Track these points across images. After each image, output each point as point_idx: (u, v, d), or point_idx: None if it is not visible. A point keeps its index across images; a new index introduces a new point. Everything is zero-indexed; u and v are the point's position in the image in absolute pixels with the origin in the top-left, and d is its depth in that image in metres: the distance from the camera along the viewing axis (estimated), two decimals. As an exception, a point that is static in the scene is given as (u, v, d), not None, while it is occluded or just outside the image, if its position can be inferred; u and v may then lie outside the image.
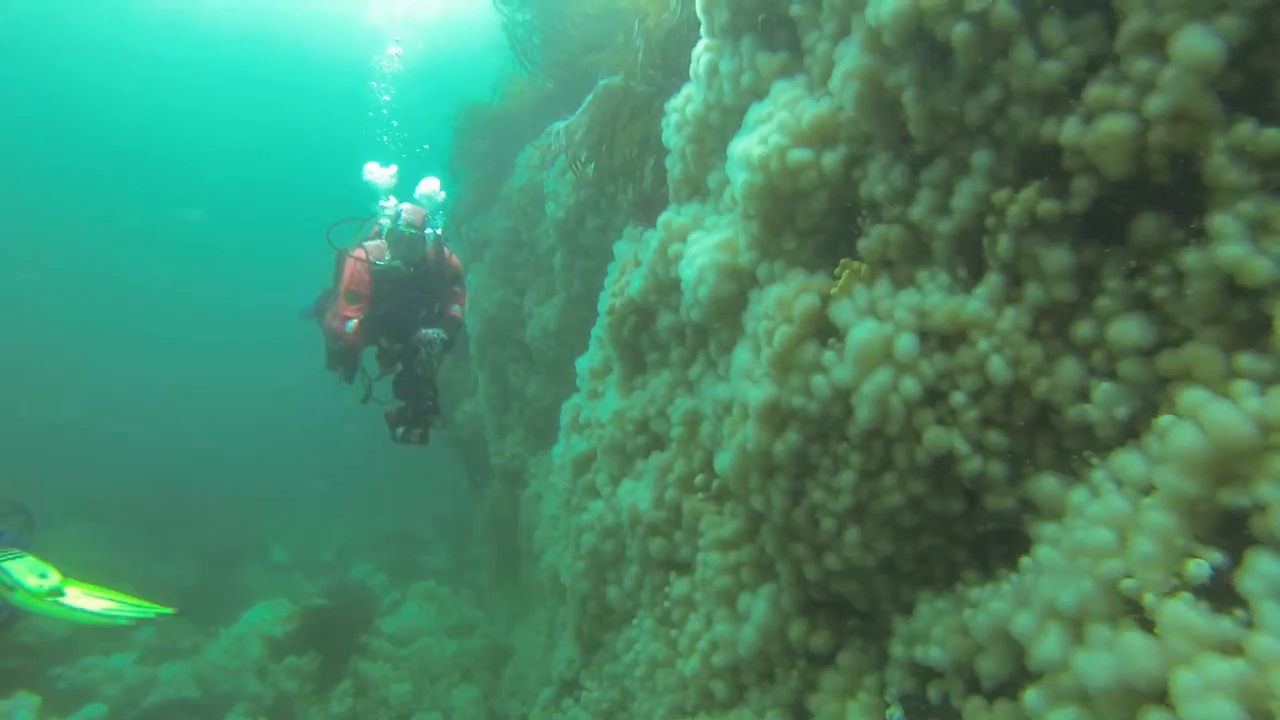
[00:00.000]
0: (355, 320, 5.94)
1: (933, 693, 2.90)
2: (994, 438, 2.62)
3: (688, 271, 3.93)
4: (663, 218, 4.59)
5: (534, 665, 8.23)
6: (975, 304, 2.66)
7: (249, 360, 34.48)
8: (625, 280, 4.74)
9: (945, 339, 2.74)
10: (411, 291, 6.09)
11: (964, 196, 2.68)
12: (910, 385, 2.68)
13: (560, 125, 6.91)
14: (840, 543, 3.06)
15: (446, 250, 6.35)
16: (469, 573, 14.14)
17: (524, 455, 9.11)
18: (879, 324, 2.81)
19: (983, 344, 2.62)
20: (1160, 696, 1.86)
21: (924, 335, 2.75)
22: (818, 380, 3.01)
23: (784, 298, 3.27)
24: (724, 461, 3.51)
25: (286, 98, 33.72)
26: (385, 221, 6.17)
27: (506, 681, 9.17)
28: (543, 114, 8.96)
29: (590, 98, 7.00)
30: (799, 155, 3.18)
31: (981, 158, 2.59)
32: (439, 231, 6.26)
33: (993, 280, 2.66)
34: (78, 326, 35.03)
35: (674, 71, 6.11)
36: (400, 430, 6.20)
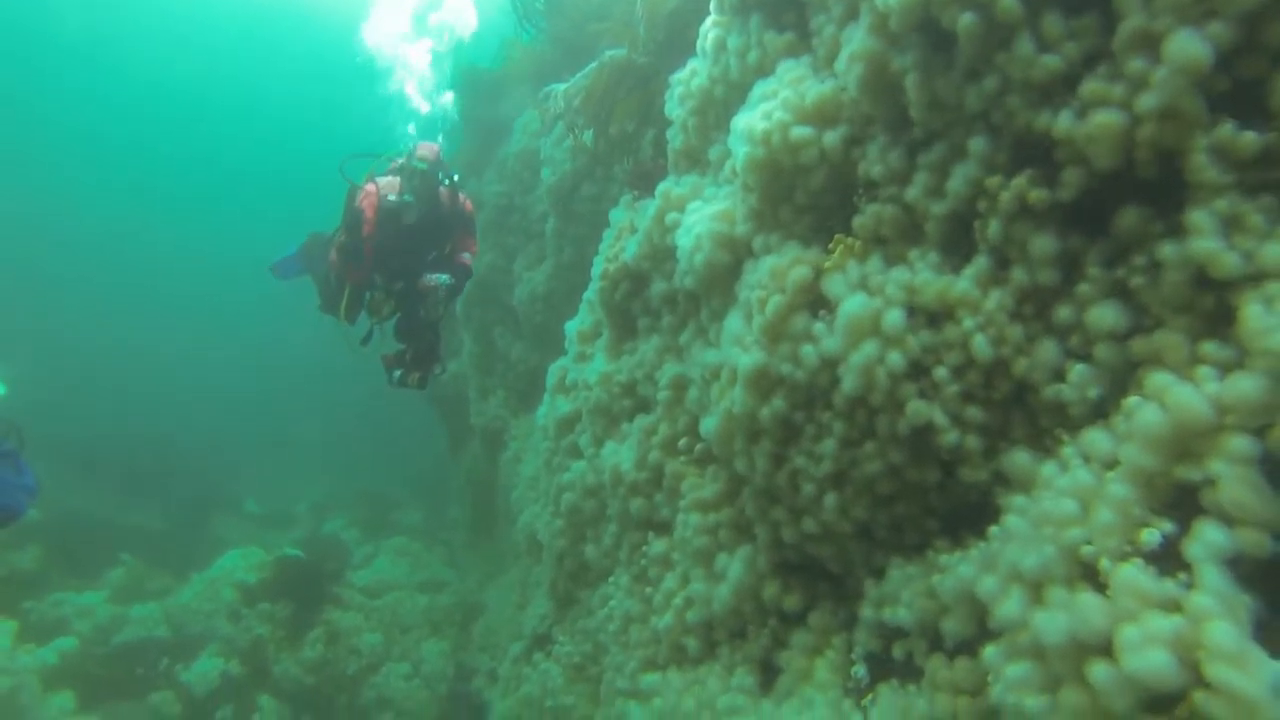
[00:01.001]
0: (340, 249, 5.75)
1: (897, 651, 3.06)
2: (973, 412, 2.76)
3: (684, 240, 4.02)
4: (661, 187, 4.67)
5: (505, 622, 8.39)
6: (963, 284, 2.78)
7: (236, 316, 34.21)
8: (620, 246, 4.83)
9: (932, 316, 2.86)
10: (420, 232, 5.87)
11: (959, 180, 2.79)
12: (896, 358, 2.81)
13: (560, 88, 6.91)
14: (819, 507, 3.20)
15: (461, 195, 6.15)
16: (443, 532, 14.29)
17: (505, 417, 9.22)
18: (869, 298, 2.93)
19: (968, 322, 2.74)
20: (1105, 650, 2.02)
21: (912, 311, 2.87)
22: (806, 349, 3.13)
23: (778, 268, 3.38)
24: (710, 425, 3.64)
25: (287, 59, 33.22)
26: (400, 158, 5.94)
27: (476, 637, 9.33)
28: (542, 82, 8.97)
29: (592, 66, 7.04)
30: (801, 132, 3.28)
31: (978, 144, 2.70)
32: (454, 178, 6.05)
33: (981, 262, 2.78)
34: (67, 276, 34.50)
35: (674, 48, 6.16)
36: (398, 373, 6.07)
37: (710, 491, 3.85)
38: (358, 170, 5.99)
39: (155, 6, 30.71)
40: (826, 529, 3.23)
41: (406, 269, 5.87)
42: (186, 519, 15.81)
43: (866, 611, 3.14)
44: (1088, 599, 2.09)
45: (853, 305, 2.95)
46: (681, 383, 4.22)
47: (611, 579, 4.56)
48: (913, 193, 2.97)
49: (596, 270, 4.95)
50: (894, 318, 2.84)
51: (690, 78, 4.70)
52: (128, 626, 9.47)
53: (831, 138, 3.16)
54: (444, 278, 5.84)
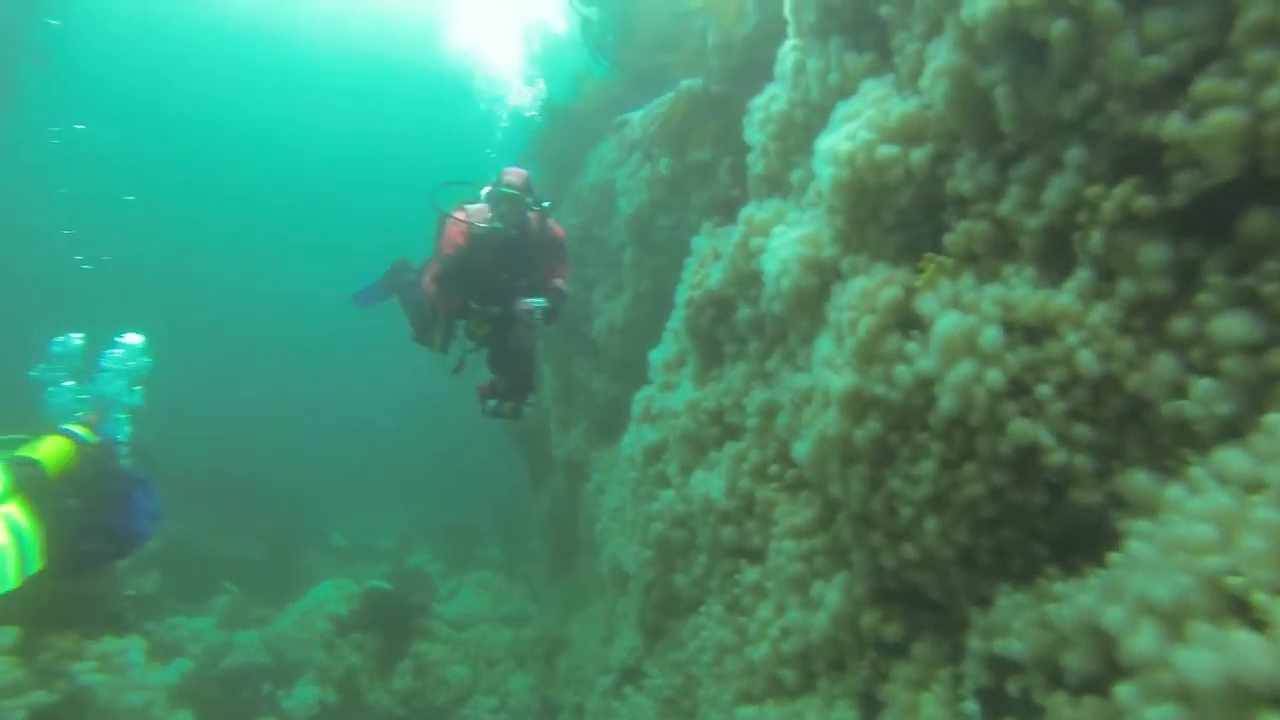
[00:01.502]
0: (431, 278, 5.71)
1: (1012, 687, 2.90)
2: (1081, 431, 2.64)
3: (770, 264, 4.01)
4: (744, 213, 4.68)
5: (590, 656, 8.35)
6: (1064, 298, 2.68)
7: (318, 350, 35.41)
8: (704, 273, 4.84)
9: (1031, 332, 2.76)
10: (511, 258, 5.77)
11: (1055, 192, 2.70)
12: (995, 376, 2.72)
13: (636, 115, 6.97)
14: (918, 532, 3.10)
15: (550, 220, 6.07)
16: (522, 566, 14.37)
17: (586, 449, 9.26)
18: (964, 316, 2.85)
19: (1071, 337, 2.64)
20: (1275, 699, 1.86)
21: (1009, 328, 2.78)
22: (900, 370, 3.06)
23: (868, 289, 3.33)
24: (802, 449, 3.58)
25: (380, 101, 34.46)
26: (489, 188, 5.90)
27: (561, 671, 9.30)
28: (614, 115, 9.12)
29: (668, 96, 7.13)
30: (886, 151, 3.25)
31: (1075, 154, 2.62)
32: (545, 204, 5.97)
33: (1083, 275, 2.68)
34: (162, 316, 36.29)
35: (748, 75, 6.19)
36: (491, 403, 5.98)
37: (804, 518, 3.78)
38: (448, 199, 5.99)
39: (244, 55, 32.23)
40: (927, 555, 3.12)
41: (499, 296, 5.78)
42: (278, 551, 16.32)
43: (974, 642, 2.99)
44: (1244, 638, 1.94)
45: (947, 324, 2.88)
46: (771, 408, 4.17)
47: (703, 609, 4.50)
48: (1006, 207, 2.89)
49: (681, 298, 4.96)
50: (991, 335, 2.75)
51: (769, 102, 4.71)
52: (233, 652, 9.89)
53: (918, 156, 3.11)
54: (539, 301, 5.71)
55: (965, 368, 2.77)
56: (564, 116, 10.43)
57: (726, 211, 5.91)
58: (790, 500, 3.93)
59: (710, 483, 4.36)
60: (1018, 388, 2.76)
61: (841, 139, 3.50)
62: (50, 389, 5.91)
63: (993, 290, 2.84)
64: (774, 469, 4.09)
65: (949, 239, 3.05)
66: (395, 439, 26.91)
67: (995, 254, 2.93)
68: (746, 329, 4.64)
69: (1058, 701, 2.68)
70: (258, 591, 12.73)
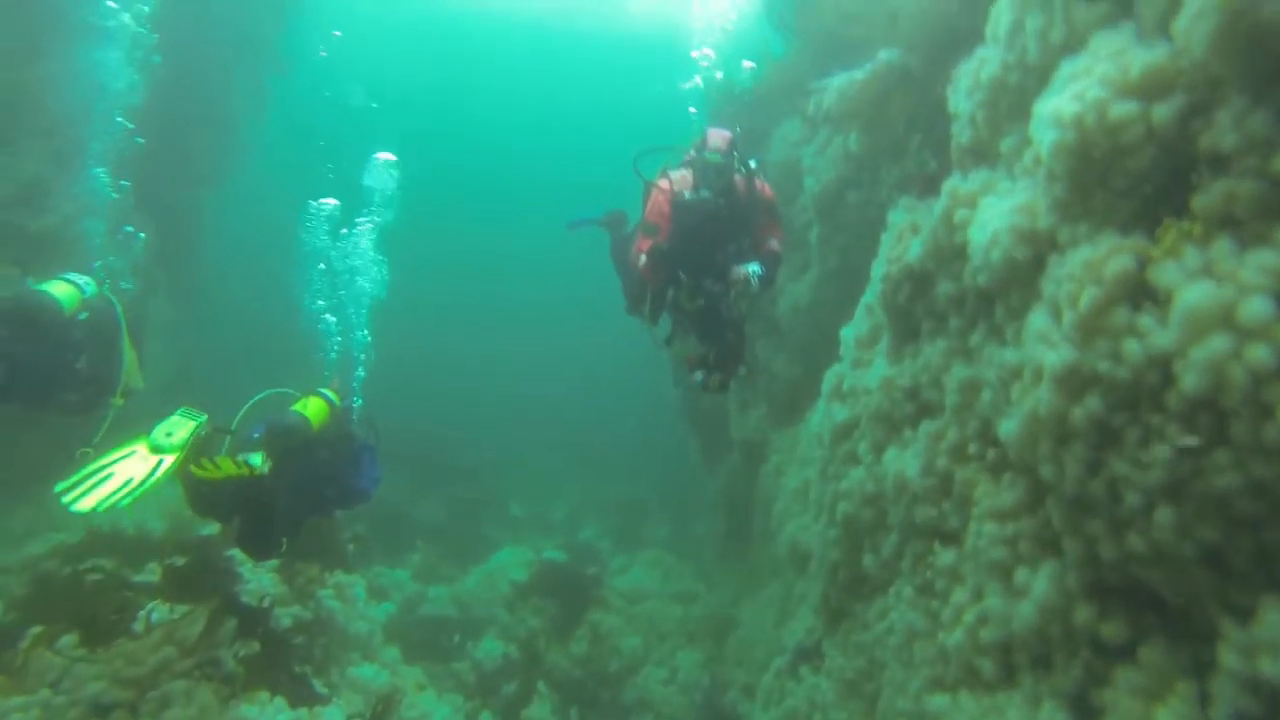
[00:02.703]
0: (644, 254, 5.50)
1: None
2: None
3: (979, 236, 3.82)
4: (948, 185, 4.48)
5: (762, 638, 8.33)
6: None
7: (520, 320, 36.77)
8: (902, 247, 4.68)
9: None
10: (721, 225, 5.51)
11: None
12: (1260, 353, 2.43)
13: (828, 83, 6.79)
14: (1148, 523, 2.85)
15: (759, 181, 5.73)
16: (691, 546, 14.53)
17: (766, 430, 9.22)
18: (1218, 286, 2.58)
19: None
20: None
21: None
22: (1131, 345, 2.83)
23: (1093, 260, 3.10)
24: (1009, 428, 3.39)
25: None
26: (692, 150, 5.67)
27: (731, 650, 9.36)
28: (797, 93, 8.97)
29: (858, 70, 6.93)
30: (1123, 109, 2.99)
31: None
32: (752, 164, 5.65)
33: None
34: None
35: (941, 44, 5.89)
36: (700, 375, 5.80)
37: (1008, 500, 3.58)
38: (650, 167, 5.86)
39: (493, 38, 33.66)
40: (1158, 549, 2.86)
41: (710, 265, 5.56)
42: (461, 517, 17.36)
43: (1229, 659, 2.66)
44: None
45: (1194, 294, 2.62)
46: (972, 386, 3.98)
47: (892, 590, 4.38)
48: (1280, 163, 2.58)
49: (877, 273, 4.82)
50: (1256, 307, 2.47)
51: (979, 68, 4.47)
52: (426, 604, 10.78)
53: (1164, 111, 2.84)
54: (755, 268, 5.44)
55: (1218, 343, 2.51)
56: (746, 94, 10.36)
57: (920, 187, 5.67)
58: (992, 481, 3.74)
59: (904, 461, 4.22)
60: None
61: (1067, 100, 3.26)
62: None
63: (1259, 257, 2.54)
64: (974, 448, 3.89)
65: (1198, 202, 2.76)
66: (573, 413, 27.76)
67: (1262, 216, 2.62)
68: (946, 304, 4.44)
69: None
70: (445, 554, 13.68)
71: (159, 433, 4.54)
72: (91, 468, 4.26)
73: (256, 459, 4.70)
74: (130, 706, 4.44)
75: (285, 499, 4.78)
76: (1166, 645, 3.00)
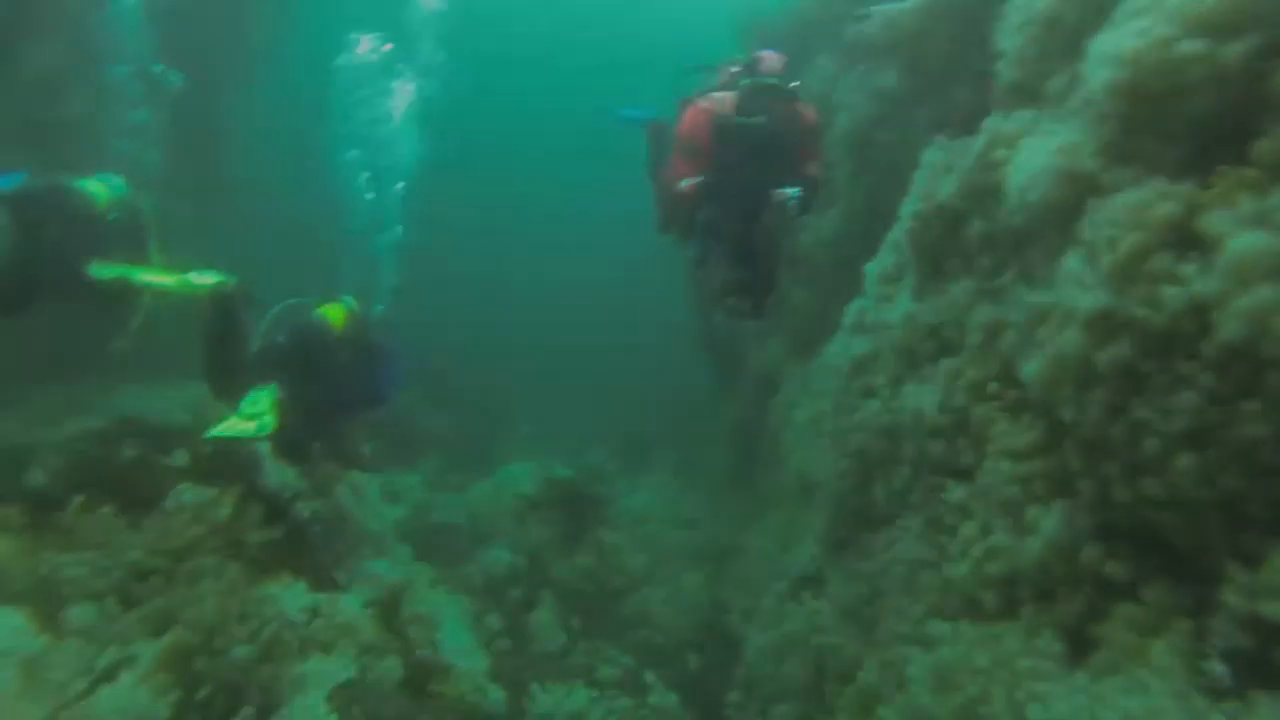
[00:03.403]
0: (690, 182, 5.33)
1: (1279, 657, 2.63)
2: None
3: (1018, 176, 3.77)
4: (989, 122, 4.40)
5: (763, 564, 8.51)
6: None
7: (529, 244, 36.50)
8: (935, 185, 4.61)
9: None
10: (764, 150, 5.30)
11: None
12: (1304, 305, 2.43)
13: (872, 11, 6.60)
14: (1167, 468, 2.88)
15: (800, 104, 5.50)
16: (699, 475, 14.73)
17: (781, 361, 9.26)
18: (1269, 235, 2.55)
19: None
20: None
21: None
22: (1170, 291, 2.81)
23: (1139, 203, 3.06)
24: (1032, 369, 3.41)
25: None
26: (734, 69, 5.45)
27: (732, 575, 9.58)
28: (829, 26, 8.73)
29: (897, 4, 6.74)
30: (1189, 46, 2.91)
31: None
32: (795, 85, 5.39)
33: None
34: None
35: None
36: (731, 300, 5.73)
37: (1024, 440, 3.62)
38: (687, 88, 5.69)
39: None
40: (1175, 493, 2.90)
41: (749, 189, 5.37)
42: (471, 432, 17.59)
43: (1232, 599, 2.71)
44: None
45: (1244, 242, 2.60)
46: (996, 326, 3.98)
47: (900, 523, 4.47)
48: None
49: (907, 210, 4.77)
50: (1308, 257, 2.45)
51: (1032, 2, 4.34)
52: (436, 510, 11.05)
53: (1235, 49, 2.76)
54: (794, 191, 5.30)
55: (1264, 293, 2.49)
56: (775, 27, 10.09)
57: (956, 127, 5.54)
58: (1010, 421, 3.77)
59: (922, 397, 4.25)
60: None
61: (1128, 36, 3.17)
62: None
63: (1322, 208, 2.50)
64: (993, 387, 3.92)
65: (1263, 147, 2.71)
66: (589, 338, 27.77)
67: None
68: (977, 244, 4.40)
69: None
70: (454, 464, 13.92)
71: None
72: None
73: (264, 404, 5.01)
74: (166, 574, 4.74)
75: (312, 403, 5.03)
76: (1169, 585, 3.07)
